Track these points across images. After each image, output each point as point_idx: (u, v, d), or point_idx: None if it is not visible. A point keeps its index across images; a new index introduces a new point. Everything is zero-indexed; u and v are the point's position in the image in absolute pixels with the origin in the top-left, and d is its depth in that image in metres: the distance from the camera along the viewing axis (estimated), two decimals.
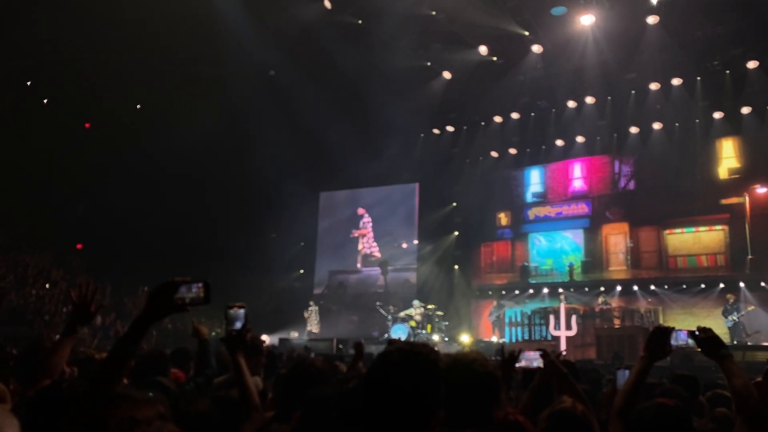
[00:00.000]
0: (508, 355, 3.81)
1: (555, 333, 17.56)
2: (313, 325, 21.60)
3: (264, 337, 15.94)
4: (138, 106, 23.94)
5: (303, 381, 3.51)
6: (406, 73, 20.47)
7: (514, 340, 20.15)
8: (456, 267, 23.86)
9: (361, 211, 25.78)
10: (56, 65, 21.00)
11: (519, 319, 21.17)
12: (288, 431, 2.57)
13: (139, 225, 22.80)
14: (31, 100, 23.18)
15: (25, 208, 24.60)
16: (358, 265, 25.58)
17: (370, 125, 21.65)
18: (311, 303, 22.45)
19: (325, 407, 3.06)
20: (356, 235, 25.75)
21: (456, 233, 24.01)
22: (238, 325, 2.96)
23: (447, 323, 20.64)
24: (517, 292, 22.42)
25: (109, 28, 19.49)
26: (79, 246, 24.97)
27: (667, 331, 2.91)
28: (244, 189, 24.09)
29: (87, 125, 24.71)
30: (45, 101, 23.79)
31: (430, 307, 20.05)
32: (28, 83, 23.10)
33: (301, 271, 27.17)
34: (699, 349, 2.94)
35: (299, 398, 3.21)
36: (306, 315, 21.74)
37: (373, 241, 25.38)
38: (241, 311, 2.99)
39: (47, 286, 21.67)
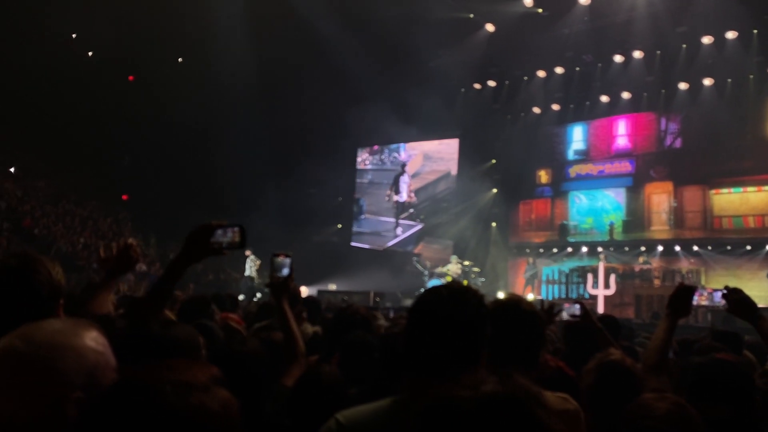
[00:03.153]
0: (547, 307, 3.76)
1: (592, 291, 17.47)
2: None
3: (303, 289, 16.29)
4: (180, 59, 24.12)
5: (347, 326, 3.62)
6: (448, 25, 20.04)
7: (550, 297, 20.13)
8: (494, 224, 23.75)
9: (400, 166, 25.73)
10: (100, 19, 21.18)
11: (556, 277, 21.10)
12: (336, 372, 2.62)
13: (182, 177, 23.27)
14: (75, 53, 23.53)
15: (72, 160, 25.33)
16: (394, 220, 25.70)
17: (411, 79, 21.38)
18: None
19: (364, 350, 3.15)
20: (391, 193, 25.77)
21: (495, 190, 23.81)
22: (285, 272, 3.00)
23: (483, 280, 20.69)
24: (555, 250, 22.27)
25: None
26: (124, 197, 25.66)
27: (691, 290, 2.87)
28: (283, 143, 24.25)
29: (130, 78, 25.07)
30: (90, 53, 24.15)
31: (466, 263, 20.10)
32: (73, 35, 23.42)
33: (339, 226, 27.45)
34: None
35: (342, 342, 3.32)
36: None
37: (412, 194, 25.40)
38: (287, 260, 3.03)
39: (95, 235, 22.41)
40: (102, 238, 22.22)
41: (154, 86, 23.29)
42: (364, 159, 26.97)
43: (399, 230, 25.23)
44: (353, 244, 25.93)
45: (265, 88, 22.12)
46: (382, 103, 21.60)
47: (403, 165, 25.51)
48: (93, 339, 1.35)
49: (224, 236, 2.06)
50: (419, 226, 24.27)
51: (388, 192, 25.65)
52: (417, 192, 25.11)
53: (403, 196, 25.28)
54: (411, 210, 25.16)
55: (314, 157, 23.30)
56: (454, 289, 1.69)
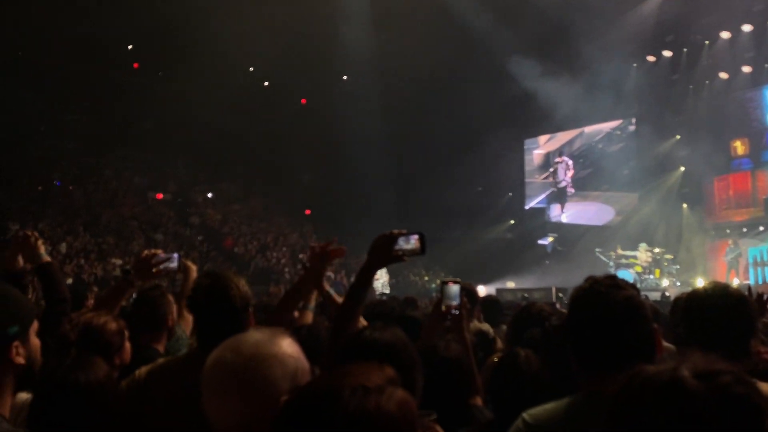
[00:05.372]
0: (756, 297, 3.32)
1: None
2: None
3: (480, 287, 16.18)
4: (344, 77, 25.32)
5: (528, 324, 3.47)
6: (610, 0, 18.83)
7: (760, 282, 17.92)
8: (684, 205, 21.74)
9: (563, 156, 24.73)
10: (269, 50, 22.73)
11: (765, 258, 18.76)
12: (533, 357, 2.59)
13: (358, 188, 24.37)
14: (253, 81, 25.63)
15: (259, 183, 27.73)
16: (562, 211, 24.74)
17: (575, 62, 20.38)
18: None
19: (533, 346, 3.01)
20: (560, 178, 24.77)
21: (682, 168, 21.79)
22: (456, 301, 3.01)
23: (677, 267, 19.02)
24: (761, 228, 19.79)
25: None
26: (307, 212, 27.44)
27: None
28: (447, 143, 24.39)
29: (303, 101, 26.81)
30: (266, 83, 26.22)
31: (657, 250, 18.62)
32: (251, 69, 25.61)
33: (512, 222, 26.93)
34: None
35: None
36: None
37: (570, 183, 24.37)
38: (457, 287, 3.05)
39: (284, 249, 24.23)
40: (292, 251, 23.95)
41: (324, 106, 24.68)
42: (529, 152, 26.24)
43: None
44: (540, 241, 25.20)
45: (429, 92, 22.40)
46: (547, 91, 20.85)
47: (565, 158, 24.48)
48: (289, 346, 1.46)
49: (406, 244, 2.19)
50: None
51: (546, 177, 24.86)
52: (588, 175, 23.90)
53: (564, 180, 24.34)
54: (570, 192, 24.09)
55: (479, 155, 23.11)
56: (610, 282, 1.68)
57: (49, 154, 23.80)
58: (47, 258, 2.88)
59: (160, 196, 25.57)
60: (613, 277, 1.70)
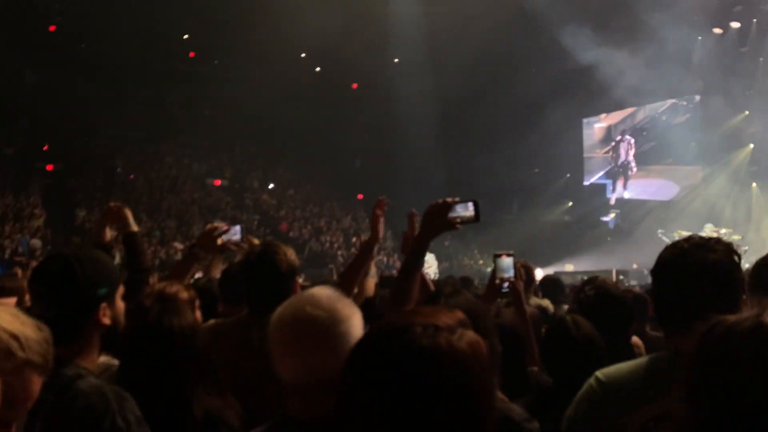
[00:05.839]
0: None
1: None
2: None
3: (537, 271, 15.92)
4: (396, 60, 25.16)
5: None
6: None
7: None
8: (753, 184, 20.77)
9: (625, 135, 23.99)
10: (320, 35, 22.80)
11: None
12: (587, 323, 2.63)
13: (410, 171, 24.30)
14: (305, 67, 25.75)
15: (313, 168, 27.99)
16: (624, 187, 24.07)
17: (636, 36, 19.62)
18: None
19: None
20: (622, 158, 24.05)
21: (751, 145, 20.81)
22: (510, 273, 3.02)
23: (746, 248, 18.18)
24: None
25: None
26: (360, 196, 27.54)
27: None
28: (503, 123, 23.96)
29: (354, 85, 26.82)
30: (317, 69, 26.33)
31: (723, 231, 17.86)
32: (302, 54, 25.76)
33: (570, 204, 26.34)
34: None
35: None
36: None
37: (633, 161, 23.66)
38: (510, 259, 3.05)
39: (338, 232, 24.44)
40: (345, 235, 24.12)
41: (376, 89, 24.62)
42: (588, 131, 25.54)
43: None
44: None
45: (482, 71, 21.97)
46: (606, 66, 20.20)
47: (626, 136, 23.75)
48: (349, 305, 1.48)
49: (461, 212, 2.15)
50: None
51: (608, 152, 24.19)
52: (651, 149, 23.16)
53: (626, 159, 23.68)
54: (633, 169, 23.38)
55: (536, 133, 22.61)
56: (694, 240, 1.65)
57: (112, 143, 24.67)
58: (135, 227, 3.01)
59: (218, 182, 26.16)
60: (708, 239, 1.65)
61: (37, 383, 1.36)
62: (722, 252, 1.59)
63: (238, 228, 3.04)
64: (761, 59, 20.53)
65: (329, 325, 1.39)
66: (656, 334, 3.91)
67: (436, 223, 2.18)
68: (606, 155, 24.83)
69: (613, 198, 24.76)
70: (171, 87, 24.64)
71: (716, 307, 1.45)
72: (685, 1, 18.78)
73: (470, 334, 1.00)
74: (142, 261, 2.89)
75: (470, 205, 2.15)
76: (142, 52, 22.32)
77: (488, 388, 1.00)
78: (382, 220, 3.00)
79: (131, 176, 24.02)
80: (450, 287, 2.16)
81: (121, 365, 2.01)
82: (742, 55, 20.75)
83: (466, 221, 2.15)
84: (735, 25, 20.68)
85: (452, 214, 2.15)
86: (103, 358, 1.97)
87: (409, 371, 0.93)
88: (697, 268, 1.56)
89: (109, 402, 1.58)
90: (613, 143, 24.27)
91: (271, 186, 27.06)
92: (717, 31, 20.99)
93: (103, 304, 1.77)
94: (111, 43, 21.20)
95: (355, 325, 1.43)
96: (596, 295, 2.74)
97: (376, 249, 3.08)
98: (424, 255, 2.23)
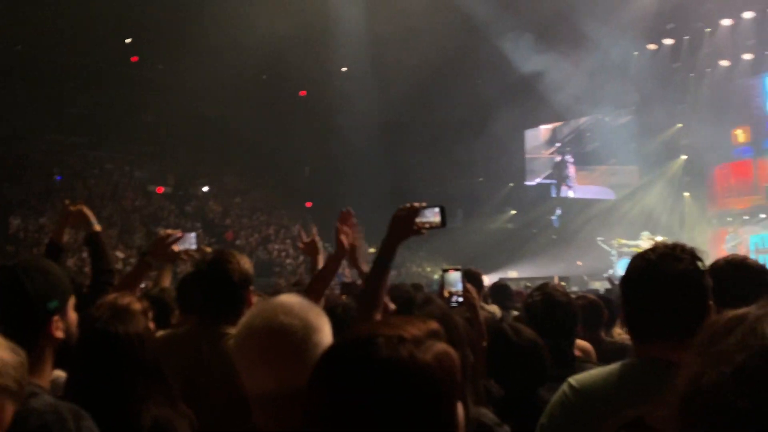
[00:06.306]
0: None
1: None
2: None
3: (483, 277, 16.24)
4: (344, 69, 25.20)
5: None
6: None
7: None
8: (686, 194, 21.75)
9: (564, 155, 24.83)
10: (265, 42, 22.65)
11: (767, 245, 18.78)
12: (527, 329, 2.68)
13: (359, 178, 24.33)
14: (252, 74, 25.50)
15: (260, 176, 27.68)
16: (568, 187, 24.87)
17: (575, 50, 20.30)
18: None
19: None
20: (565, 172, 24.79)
21: (684, 157, 21.80)
22: (459, 287, 2.97)
23: None
24: (762, 216, 19.82)
25: None
26: (308, 204, 27.40)
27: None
28: (447, 133, 24.33)
29: (302, 93, 26.69)
30: (264, 77, 26.09)
31: (659, 239, 18.58)
32: (250, 62, 25.48)
33: (513, 212, 26.92)
34: None
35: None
36: None
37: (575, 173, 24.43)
38: (458, 274, 2.99)
39: (288, 241, 24.23)
40: (294, 243, 23.95)
41: (324, 97, 24.58)
42: (530, 142, 26.22)
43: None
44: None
45: (427, 81, 22.26)
46: (547, 80, 20.77)
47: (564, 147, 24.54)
48: (320, 314, 1.44)
49: (427, 217, 2.14)
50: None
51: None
52: (595, 149, 23.97)
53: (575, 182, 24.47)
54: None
55: (480, 143, 23.06)
56: (660, 249, 1.67)
57: (50, 149, 23.77)
58: (98, 227, 2.91)
59: (161, 189, 25.54)
60: (673, 247, 1.68)
61: (9, 411, 1.28)
62: (689, 260, 1.62)
63: (192, 236, 2.95)
64: (692, 75, 21.55)
65: (303, 335, 1.34)
66: (611, 339, 4.01)
67: (404, 228, 2.15)
68: (551, 156, 25.51)
69: (557, 195, 25.48)
70: (112, 91, 23.94)
71: (687, 314, 1.54)
72: (623, 16, 19.56)
73: (439, 346, 0.95)
74: (107, 262, 2.82)
75: (436, 210, 2.14)
76: (82, 55, 21.65)
77: (455, 400, 0.96)
78: (344, 233, 2.95)
79: (59, 177, 23.10)
80: (404, 293, 2.17)
81: (68, 376, 1.94)
82: (675, 70, 21.73)
83: (433, 227, 2.15)
84: (668, 41, 21.66)
85: (420, 219, 2.14)
86: (57, 373, 1.91)
87: (370, 384, 0.90)
88: (667, 277, 1.59)
89: (64, 421, 1.50)
90: (558, 144, 24.98)
91: (210, 188, 26.48)
92: (651, 47, 21.94)
93: (55, 317, 1.70)
94: (49, 45, 20.48)
95: (328, 334, 1.39)
96: (542, 301, 2.78)
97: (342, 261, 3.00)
98: (392, 259, 2.20)
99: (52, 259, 2.70)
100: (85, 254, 18.23)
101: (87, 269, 16.89)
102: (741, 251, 19.01)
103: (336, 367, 0.95)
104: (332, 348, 1.02)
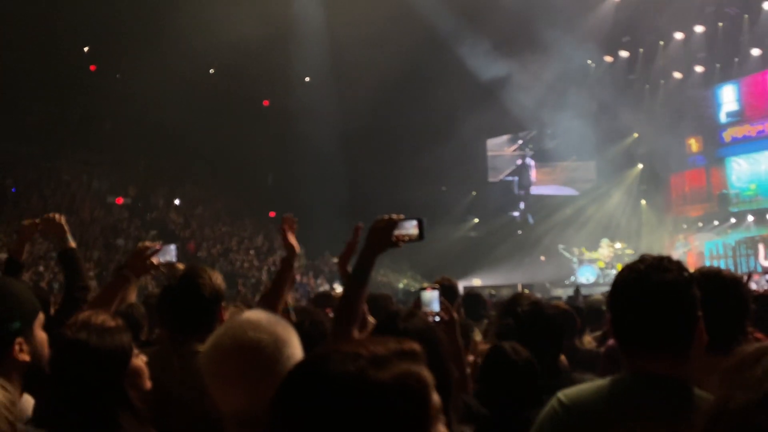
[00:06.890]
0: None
1: (766, 263, 15.86)
2: None
3: None
4: (307, 79, 25.20)
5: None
6: (569, 1, 19.21)
7: None
8: (643, 202, 22.35)
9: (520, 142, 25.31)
10: (229, 52, 22.46)
11: (721, 251, 19.42)
12: (521, 348, 2.69)
13: (324, 188, 24.27)
14: (214, 83, 25.29)
15: (223, 185, 27.35)
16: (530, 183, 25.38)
17: (536, 61, 20.73)
18: None
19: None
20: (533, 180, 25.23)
21: (640, 166, 22.42)
22: (435, 307, 2.78)
23: None
24: (716, 222, 20.51)
25: None
26: (272, 214, 27.16)
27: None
28: (410, 143, 24.50)
29: (265, 102, 26.58)
30: (228, 86, 25.91)
31: (618, 245, 19.08)
32: (211, 71, 25.28)
33: (476, 221, 27.20)
34: None
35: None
36: None
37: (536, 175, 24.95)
38: (436, 292, 2.84)
39: (251, 252, 23.96)
40: (258, 254, 23.71)
41: (286, 107, 24.49)
42: (492, 152, 26.62)
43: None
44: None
45: (390, 92, 22.41)
46: (508, 90, 21.13)
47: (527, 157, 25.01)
48: (288, 327, 1.43)
49: (404, 229, 2.11)
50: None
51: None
52: (556, 146, 24.48)
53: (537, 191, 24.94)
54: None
55: (442, 153, 23.28)
56: (648, 260, 1.64)
57: (4, 159, 23.04)
58: (73, 243, 2.82)
59: (120, 200, 24.99)
60: (660, 258, 1.65)
61: None
62: (676, 271, 1.61)
63: (173, 247, 2.82)
64: (647, 86, 22.22)
65: (274, 349, 1.33)
66: (585, 348, 3.99)
67: (381, 240, 2.12)
68: (513, 154, 25.90)
69: (521, 191, 25.89)
70: (69, 100, 23.37)
71: (677, 324, 1.54)
72: (580, 28, 20.09)
73: (403, 366, 0.90)
74: (81, 278, 2.74)
75: (414, 223, 2.11)
76: (39, 63, 21.11)
77: (422, 423, 0.90)
78: (290, 234, 2.92)
79: (13, 189, 22.41)
80: (385, 306, 2.14)
81: (37, 401, 1.86)
82: (631, 81, 22.37)
83: (411, 239, 2.12)
84: (624, 54, 22.30)
85: (398, 231, 2.11)
86: (25, 397, 1.82)
87: (319, 401, 0.88)
88: (657, 287, 1.57)
89: None
90: (520, 141, 25.41)
91: (171, 198, 26.09)
92: (608, 59, 22.56)
93: (18, 339, 1.62)
94: (3, 52, 19.92)
95: (297, 346, 1.38)
96: (532, 312, 2.72)
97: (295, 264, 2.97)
98: (370, 271, 2.17)
99: (12, 276, 2.63)
100: (41, 268, 17.73)
101: (43, 284, 16.43)
102: (690, 258, 19.64)
103: (291, 383, 0.93)
104: (296, 365, 0.99)
